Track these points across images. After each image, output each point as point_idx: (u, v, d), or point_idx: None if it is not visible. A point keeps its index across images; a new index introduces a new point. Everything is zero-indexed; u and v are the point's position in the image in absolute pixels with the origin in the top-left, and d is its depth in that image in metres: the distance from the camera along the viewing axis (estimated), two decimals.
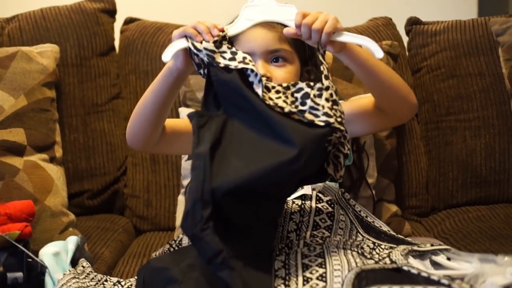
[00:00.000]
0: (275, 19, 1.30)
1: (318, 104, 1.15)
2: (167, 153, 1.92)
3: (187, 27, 1.25)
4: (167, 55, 1.25)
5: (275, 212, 1.23)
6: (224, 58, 1.20)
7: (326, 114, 1.13)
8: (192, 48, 1.22)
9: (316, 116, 1.13)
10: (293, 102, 1.16)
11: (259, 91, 1.16)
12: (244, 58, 1.20)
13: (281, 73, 1.43)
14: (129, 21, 2.17)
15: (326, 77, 1.19)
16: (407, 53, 2.13)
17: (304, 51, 1.44)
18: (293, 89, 1.18)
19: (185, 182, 1.81)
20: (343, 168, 1.22)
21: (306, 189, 1.41)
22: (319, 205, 1.36)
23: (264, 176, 1.08)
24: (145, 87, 2.01)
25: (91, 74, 2.06)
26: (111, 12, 2.15)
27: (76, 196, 1.98)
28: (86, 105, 2.04)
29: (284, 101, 1.15)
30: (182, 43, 1.25)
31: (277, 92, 1.18)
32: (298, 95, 1.17)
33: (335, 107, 1.16)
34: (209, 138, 1.12)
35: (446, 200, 2.00)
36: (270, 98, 1.16)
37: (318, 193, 1.40)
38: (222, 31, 1.25)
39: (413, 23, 2.12)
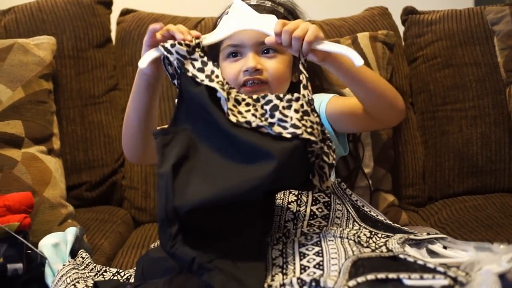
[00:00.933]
0: (256, 28, 1.30)
1: (286, 116, 1.13)
2: None
3: (162, 31, 1.26)
4: (144, 61, 1.25)
5: (254, 214, 1.20)
6: (194, 66, 1.19)
7: (293, 125, 1.12)
8: (163, 51, 1.21)
9: (285, 128, 1.12)
10: (262, 115, 1.15)
11: (225, 108, 1.15)
12: (212, 72, 1.18)
13: (273, 64, 1.45)
14: (125, 12, 2.17)
15: (305, 87, 1.19)
16: (403, 43, 2.14)
17: None
18: (262, 101, 1.17)
19: None
20: (329, 178, 1.21)
21: None
22: (316, 195, 1.36)
23: (227, 194, 1.09)
24: None
25: (88, 66, 2.06)
26: (107, 4, 2.15)
27: (75, 188, 1.98)
28: (83, 97, 2.04)
29: (253, 114, 1.14)
30: (158, 51, 1.25)
31: (247, 104, 1.17)
32: (267, 107, 1.16)
33: (305, 117, 1.14)
34: (174, 155, 1.12)
35: (443, 189, 2.01)
36: (240, 112, 1.15)
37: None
38: (198, 38, 1.24)
39: (409, 13, 2.12)
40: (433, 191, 2.02)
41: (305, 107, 1.16)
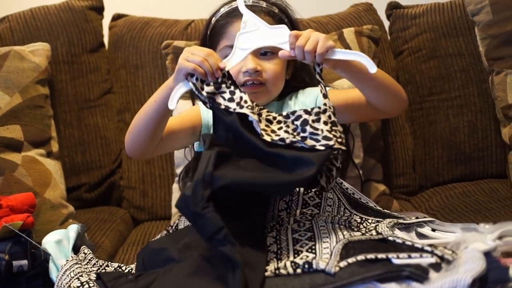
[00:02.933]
0: (269, 44, 1.33)
1: (317, 129, 1.21)
2: (163, 153, 1.95)
3: (196, 66, 1.26)
4: (173, 102, 1.28)
5: (263, 202, 1.30)
6: (224, 98, 1.26)
7: (325, 137, 1.19)
8: (194, 89, 1.27)
9: (317, 141, 1.19)
10: (294, 130, 1.22)
11: (258, 129, 1.21)
12: (241, 98, 1.25)
13: (271, 66, 1.49)
14: (116, 17, 2.21)
15: (325, 96, 1.25)
16: (388, 37, 2.18)
17: None
18: (292, 117, 1.24)
19: (179, 170, 1.85)
20: (334, 180, 1.28)
21: None
22: None
23: (266, 182, 1.16)
24: (135, 80, 2.07)
25: (83, 71, 2.10)
26: (99, 9, 2.19)
27: (74, 190, 2.02)
28: (79, 100, 2.08)
29: (286, 131, 1.21)
30: (185, 88, 1.29)
31: (279, 122, 1.24)
32: (298, 122, 1.23)
33: (334, 128, 1.22)
34: (219, 150, 1.18)
35: (433, 178, 2.05)
36: (273, 131, 1.22)
37: None
38: (223, 69, 1.28)
39: (393, 7, 2.16)
40: (423, 179, 2.06)
41: (333, 118, 1.23)
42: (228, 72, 1.30)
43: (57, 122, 1.99)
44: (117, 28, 2.16)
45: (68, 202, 1.80)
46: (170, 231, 1.51)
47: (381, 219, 1.32)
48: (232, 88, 1.27)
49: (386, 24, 2.19)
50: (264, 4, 1.56)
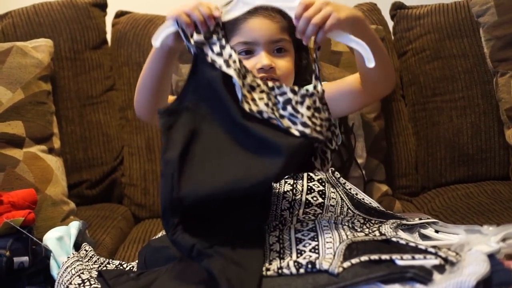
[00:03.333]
0: (275, 5, 1.26)
1: (298, 112, 1.15)
2: None
3: (182, 13, 1.20)
4: (157, 41, 1.23)
5: (254, 201, 1.24)
6: (212, 51, 1.18)
7: (303, 124, 1.14)
8: (182, 35, 1.20)
9: (294, 123, 1.14)
10: (274, 104, 1.17)
11: (239, 95, 1.15)
12: (230, 56, 1.18)
13: (284, 63, 1.48)
14: (120, 14, 2.21)
15: (317, 77, 1.21)
16: (392, 37, 2.18)
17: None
18: (277, 92, 1.18)
19: None
20: (330, 162, 1.25)
21: None
22: (311, 184, 1.40)
23: (233, 187, 1.11)
24: (138, 78, 2.06)
25: (85, 67, 2.10)
26: (102, 6, 2.19)
27: (75, 186, 2.01)
28: (81, 97, 2.07)
29: (266, 104, 1.16)
30: (170, 29, 1.22)
31: (261, 92, 1.18)
32: (281, 99, 1.17)
33: (316, 114, 1.17)
34: (179, 141, 1.13)
35: (435, 179, 2.04)
36: (253, 99, 1.16)
37: (309, 173, 1.44)
38: (217, 17, 1.21)
39: (397, 8, 2.16)
40: (425, 180, 2.06)
41: (317, 104, 1.18)
42: (222, 23, 1.22)
43: (59, 118, 1.99)
44: (120, 25, 2.16)
45: (69, 198, 1.80)
46: None
47: (384, 220, 1.31)
48: (223, 41, 1.20)
49: (390, 24, 2.19)
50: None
